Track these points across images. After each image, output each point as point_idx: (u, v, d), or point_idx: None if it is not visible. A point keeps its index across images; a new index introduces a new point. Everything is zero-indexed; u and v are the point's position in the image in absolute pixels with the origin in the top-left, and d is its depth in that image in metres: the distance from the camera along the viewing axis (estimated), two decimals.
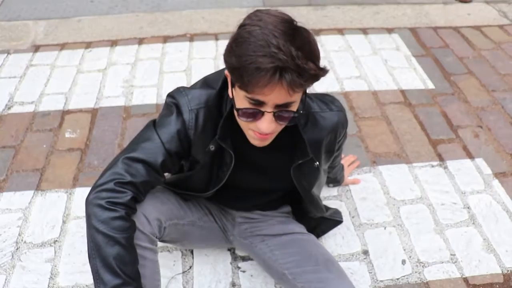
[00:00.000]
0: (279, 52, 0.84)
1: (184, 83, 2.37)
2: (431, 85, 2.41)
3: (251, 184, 1.25)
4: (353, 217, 1.72)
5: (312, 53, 0.90)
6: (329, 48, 2.68)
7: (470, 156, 1.99)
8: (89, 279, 1.48)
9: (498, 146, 2.04)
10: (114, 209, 0.99)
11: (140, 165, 1.05)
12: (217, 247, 1.56)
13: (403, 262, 1.57)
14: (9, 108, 2.22)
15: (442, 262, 1.57)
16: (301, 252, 1.29)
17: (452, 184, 1.85)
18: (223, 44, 2.68)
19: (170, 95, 1.12)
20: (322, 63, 0.94)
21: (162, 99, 2.27)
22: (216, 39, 2.75)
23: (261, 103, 0.92)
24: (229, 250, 1.58)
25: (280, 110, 0.94)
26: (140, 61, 2.56)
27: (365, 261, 1.57)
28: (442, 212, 1.74)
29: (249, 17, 0.94)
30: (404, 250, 1.61)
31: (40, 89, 2.34)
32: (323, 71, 0.91)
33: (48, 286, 1.47)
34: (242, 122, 1.01)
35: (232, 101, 1.02)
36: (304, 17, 3.00)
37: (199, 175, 1.18)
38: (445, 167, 1.93)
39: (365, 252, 1.60)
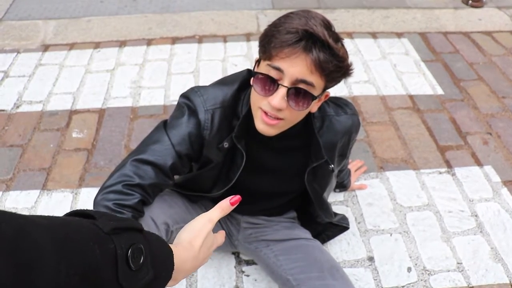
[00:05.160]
0: (314, 26, 0.88)
1: (192, 85, 2.37)
2: (440, 91, 2.39)
3: (261, 187, 1.24)
4: (359, 223, 1.70)
5: (341, 41, 0.94)
6: None
7: (479, 163, 1.96)
8: None
9: (507, 154, 2.02)
10: (121, 211, 0.98)
11: (149, 167, 1.04)
12: (221, 251, 1.55)
13: (409, 269, 1.55)
14: (17, 107, 2.23)
15: (449, 271, 1.55)
16: (306, 258, 1.28)
17: (460, 192, 1.83)
18: (232, 46, 2.69)
19: (184, 96, 1.11)
20: None
21: (170, 100, 2.27)
22: (225, 41, 2.75)
23: (279, 74, 0.91)
24: (233, 254, 1.58)
25: (296, 88, 0.92)
26: (148, 62, 2.56)
27: (370, 267, 1.56)
28: (449, 219, 1.72)
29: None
30: (410, 257, 1.59)
31: (48, 89, 2.35)
32: (349, 65, 0.94)
33: None
34: (253, 98, 0.99)
35: (247, 102, 1.04)
36: None
37: (208, 174, 1.17)
38: (453, 174, 1.91)
39: (371, 259, 1.58)
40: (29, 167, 1.90)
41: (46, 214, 0.49)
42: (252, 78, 0.98)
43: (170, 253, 0.61)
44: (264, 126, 0.99)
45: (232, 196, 0.75)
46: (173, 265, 0.60)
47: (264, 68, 0.94)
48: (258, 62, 0.99)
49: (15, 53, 2.63)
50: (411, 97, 2.34)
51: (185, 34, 2.82)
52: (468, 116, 2.23)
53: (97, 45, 2.70)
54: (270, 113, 0.95)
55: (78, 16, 3.01)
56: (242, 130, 1.09)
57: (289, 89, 0.91)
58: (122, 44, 2.72)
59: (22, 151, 1.98)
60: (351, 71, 0.97)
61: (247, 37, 2.79)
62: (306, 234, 1.38)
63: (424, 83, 2.44)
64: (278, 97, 0.91)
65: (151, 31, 2.84)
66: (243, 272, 1.53)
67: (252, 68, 1.08)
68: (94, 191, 1.77)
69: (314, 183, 1.23)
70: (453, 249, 1.62)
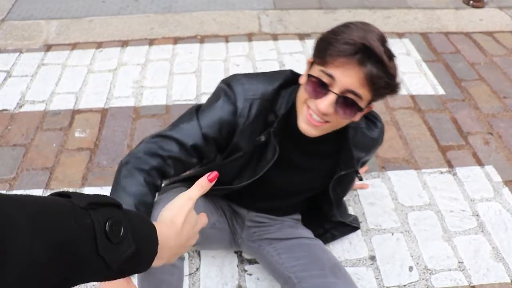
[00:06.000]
0: (371, 41, 0.89)
1: (194, 85, 2.38)
2: (441, 91, 2.39)
3: (282, 184, 1.24)
4: (360, 222, 1.71)
5: (394, 59, 0.96)
6: None
7: (480, 163, 1.97)
8: None
9: (508, 154, 2.02)
10: (132, 174, 1.03)
11: (173, 143, 1.08)
12: (224, 249, 1.56)
13: (410, 268, 1.56)
14: (20, 107, 2.24)
15: (450, 270, 1.56)
16: (308, 256, 1.29)
17: (461, 191, 1.84)
18: (233, 46, 2.70)
19: (225, 81, 1.13)
20: None
21: (172, 100, 2.28)
22: (227, 41, 2.76)
23: (331, 81, 0.93)
24: (236, 252, 1.59)
25: (344, 97, 0.94)
26: (150, 62, 2.57)
27: (372, 267, 1.56)
28: (450, 219, 1.73)
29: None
30: (412, 256, 1.60)
31: (51, 88, 2.36)
32: (398, 83, 0.96)
33: None
34: (301, 96, 1.01)
35: (294, 100, 1.06)
36: (315, 20, 3.00)
37: (234, 164, 1.17)
38: (454, 174, 1.92)
39: (372, 258, 1.59)
40: (32, 167, 1.91)
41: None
42: (302, 78, 1.01)
43: (152, 228, 0.60)
44: (307, 126, 1.01)
45: (209, 173, 0.75)
46: (157, 240, 0.59)
47: (317, 72, 0.95)
48: (311, 64, 1.01)
49: (18, 53, 2.64)
50: (412, 97, 2.34)
51: (187, 34, 2.83)
52: (469, 116, 2.23)
53: (99, 45, 2.71)
54: (316, 114, 0.97)
55: (80, 16, 3.02)
56: (280, 126, 1.10)
57: (338, 96, 0.93)
58: (124, 44, 2.72)
59: (25, 150, 1.99)
60: (398, 90, 0.98)
61: (249, 37, 2.80)
62: (309, 233, 1.39)
63: (425, 83, 2.45)
64: (326, 102, 0.94)
65: (153, 31, 2.85)
66: (245, 271, 1.54)
67: (288, 70, 1.14)
68: (96, 190, 1.78)
69: (337, 188, 1.27)
70: (454, 249, 1.62)
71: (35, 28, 2.88)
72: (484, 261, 1.59)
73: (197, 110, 1.13)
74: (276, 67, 2.52)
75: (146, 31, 2.85)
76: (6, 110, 2.22)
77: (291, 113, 1.08)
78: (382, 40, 0.93)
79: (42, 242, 0.43)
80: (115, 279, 0.54)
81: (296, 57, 2.61)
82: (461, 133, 2.13)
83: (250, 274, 1.53)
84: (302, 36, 2.82)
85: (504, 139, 2.10)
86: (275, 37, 2.81)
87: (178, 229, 0.67)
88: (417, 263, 1.57)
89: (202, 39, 2.78)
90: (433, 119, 2.20)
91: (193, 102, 2.26)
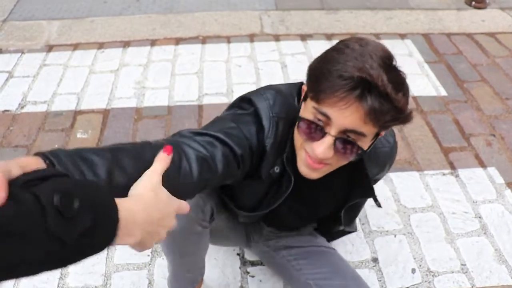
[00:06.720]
0: (371, 69, 0.75)
1: (196, 86, 2.37)
2: (443, 92, 2.39)
3: (292, 214, 1.16)
4: (363, 224, 1.71)
5: (402, 88, 0.80)
6: None
7: (482, 165, 1.97)
8: (98, 280, 1.49)
9: (511, 155, 2.02)
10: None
11: (220, 145, 0.86)
12: (228, 249, 1.55)
13: (413, 271, 1.55)
14: (22, 108, 2.24)
15: (453, 272, 1.55)
16: (329, 265, 1.26)
17: (464, 193, 1.84)
18: (235, 47, 2.69)
19: (244, 97, 0.97)
20: None
21: (174, 101, 2.28)
22: (228, 41, 2.76)
23: (327, 120, 0.81)
24: (238, 254, 1.58)
25: (344, 139, 0.82)
26: (152, 62, 2.57)
27: (374, 269, 1.56)
28: (453, 221, 1.73)
29: (351, 38, 0.86)
30: (414, 258, 1.59)
31: (53, 89, 2.36)
32: (408, 114, 0.82)
33: (58, 286, 1.48)
34: (297, 139, 0.90)
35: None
36: (316, 21, 2.99)
37: (247, 195, 1.06)
38: (457, 176, 1.91)
39: (375, 260, 1.59)
40: None
41: None
42: (296, 124, 0.88)
43: (108, 195, 0.55)
44: (307, 169, 0.90)
45: (163, 148, 0.69)
46: (116, 206, 0.54)
47: (310, 109, 0.83)
48: (305, 97, 0.88)
49: (20, 54, 2.64)
50: (414, 98, 2.34)
51: (189, 34, 2.83)
52: (471, 117, 2.23)
53: (101, 46, 2.71)
54: (315, 157, 0.85)
55: (82, 17, 3.02)
56: (292, 151, 0.95)
57: (336, 138, 0.82)
58: (126, 44, 2.72)
59: (27, 151, 1.99)
60: (410, 120, 0.83)
61: (251, 37, 2.80)
62: (326, 242, 1.36)
63: (427, 84, 2.45)
64: (324, 146, 0.82)
65: (155, 32, 2.85)
66: (248, 273, 1.54)
67: (298, 83, 0.99)
68: None
69: (350, 212, 1.20)
70: (457, 251, 1.62)
71: (37, 29, 2.88)
72: (487, 263, 1.58)
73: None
74: (278, 68, 2.52)
75: (148, 32, 2.85)
76: (8, 110, 2.22)
77: None
78: (386, 63, 0.79)
79: None
80: (75, 260, 0.49)
81: (298, 58, 2.61)
82: (464, 135, 2.13)
83: (253, 276, 1.52)
84: (304, 37, 2.82)
85: (507, 140, 2.10)
86: (277, 37, 2.81)
87: (146, 203, 0.62)
88: (420, 265, 1.57)
89: (204, 40, 2.77)
90: (435, 121, 2.20)
91: (195, 103, 2.25)
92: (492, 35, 2.91)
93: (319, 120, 0.82)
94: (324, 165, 0.88)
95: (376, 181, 1.23)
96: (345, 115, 0.78)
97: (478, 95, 2.38)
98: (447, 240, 1.66)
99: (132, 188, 0.64)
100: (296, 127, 0.88)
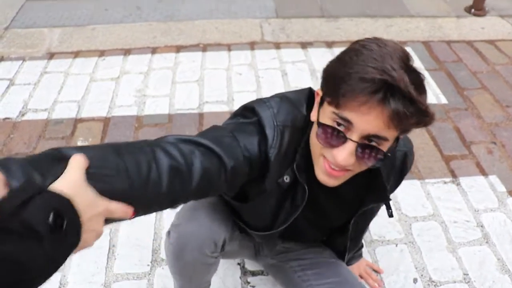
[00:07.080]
0: (392, 71, 0.72)
1: (197, 94, 2.38)
2: (444, 100, 2.39)
3: (310, 225, 1.12)
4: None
5: (424, 90, 0.78)
6: None
7: (484, 173, 1.96)
8: None
9: None
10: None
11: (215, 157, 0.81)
12: (230, 260, 1.55)
13: (415, 280, 1.55)
14: (22, 115, 2.24)
15: (455, 282, 1.54)
16: (337, 276, 1.23)
17: (465, 201, 1.83)
18: (236, 54, 2.70)
19: (247, 106, 0.93)
20: None
21: (174, 109, 2.28)
22: (229, 49, 2.76)
23: (348, 126, 0.77)
24: (238, 264, 1.57)
25: (367, 144, 0.78)
26: (153, 70, 2.57)
27: None
28: (454, 230, 1.72)
29: (368, 38, 0.82)
30: (416, 268, 1.58)
31: (53, 97, 2.36)
32: (431, 115, 0.78)
33: None
34: (315, 146, 0.85)
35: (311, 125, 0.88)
36: (317, 28, 3.00)
37: (258, 213, 1.01)
38: (458, 184, 1.91)
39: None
40: None
41: None
42: (314, 130, 0.84)
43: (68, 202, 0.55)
44: (326, 177, 0.86)
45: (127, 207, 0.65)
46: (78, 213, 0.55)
47: (329, 114, 0.79)
48: (321, 100, 0.83)
49: (21, 61, 2.64)
50: None
51: (190, 42, 2.83)
52: (472, 125, 2.23)
53: (101, 53, 2.72)
54: (336, 164, 0.81)
55: (83, 24, 3.03)
56: (303, 159, 0.91)
57: (359, 144, 0.78)
58: (126, 52, 2.73)
59: None
60: (432, 121, 0.80)
61: (251, 45, 2.80)
62: (334, 254, 1.32)
63: (427, 92, 2.44)
64: (345, 153, 0.78)
65: (155, 40, 2.86)
66: (248, 283, 1.53)
67: (307, 87, 0.95)
68: None
69: (359, 222, 1.15)
70: (459, 260, 1.61)
71: (38, 36, 2.89)
72: (490, 273, 1.57)
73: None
74: (278, 76, 2.52)
75: (149, 40, 2.86)
76: (9, 118, 2.22)
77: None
78: (405, 63, 0.75)
79: None
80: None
81: (298, 65, 2.61)
82: (464, 143, 2.12)
83: (253, 286, 1.51)
84: (304, 45, 2.82)
85: (508, 148, 2.10)
86: (277, 45, 2.81)
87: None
88: (422, 275, 1.56)
89: (204, 48, 2.78)
90: (436, 128, 2.20)
91: (196, 111, 2.25)
92: (491, 42, 2.92)
93: (339, 125, 0.78)
94: (345, 172, 0.84)
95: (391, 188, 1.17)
96: (368, 120, 0.74)
97: (478, 102, 2.38)
98: (449, 249, 1.65)
99: (49, 187, 0.57)
100: (314, 136, 0.84)
